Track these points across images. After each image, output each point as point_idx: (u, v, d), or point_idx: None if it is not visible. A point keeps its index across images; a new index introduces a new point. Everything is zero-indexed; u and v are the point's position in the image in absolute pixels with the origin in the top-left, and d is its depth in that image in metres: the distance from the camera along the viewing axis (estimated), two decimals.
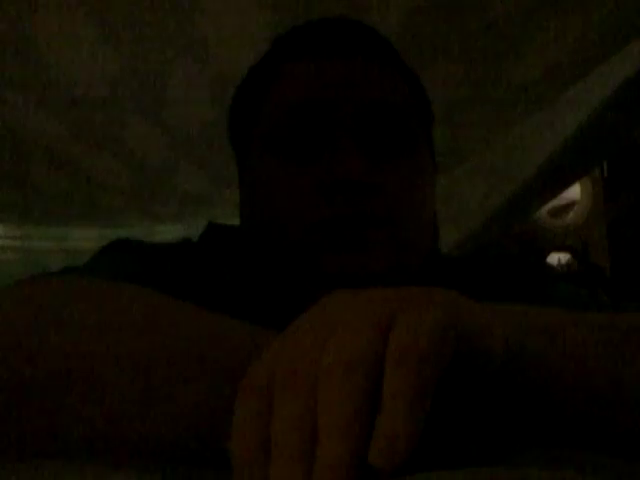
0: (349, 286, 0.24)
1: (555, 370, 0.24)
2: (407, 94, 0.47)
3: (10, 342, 0.26)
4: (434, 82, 1.37)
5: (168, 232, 2.23)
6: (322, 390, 0.18)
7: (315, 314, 0.22)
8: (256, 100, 0.48)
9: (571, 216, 3.20)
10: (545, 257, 3.05)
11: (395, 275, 0.42)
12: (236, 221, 0.51)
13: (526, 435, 0.24)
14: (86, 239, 2.23)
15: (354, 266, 0.40)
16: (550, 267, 0.57)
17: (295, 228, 0.42)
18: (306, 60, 0.46)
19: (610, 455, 0.23)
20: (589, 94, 1.40)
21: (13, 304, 0.29)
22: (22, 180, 1.75)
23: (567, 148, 1.52)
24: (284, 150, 0.44)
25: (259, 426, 0.19)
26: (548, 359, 0.24)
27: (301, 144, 0.44)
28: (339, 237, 0.41)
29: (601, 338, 0.26)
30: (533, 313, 0.27)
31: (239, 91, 0.52)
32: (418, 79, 0.52)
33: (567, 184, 1.87)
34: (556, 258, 3.14)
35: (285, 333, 0.22)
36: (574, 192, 3.13)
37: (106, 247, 0.48)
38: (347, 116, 0.43)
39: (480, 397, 0.22)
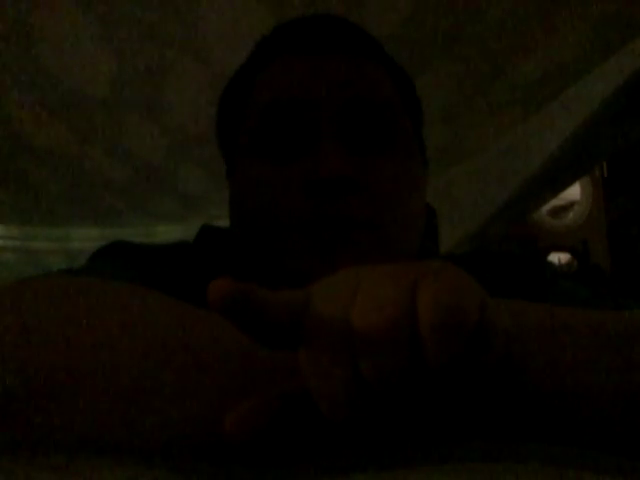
0: None
1: (551, 372, 0.24)
2: (393, 90, 0.46)
3: (13, 341, 0.26)
4: (434, 82, 1.37)
5: (168, 232, 2.23)
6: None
7: (341, 275, 0.24)
8: (240, 99, 0.48)
9: (571, 216, 3.20)
10: (545, 257, 3.05)
11: None
12: None
13: (520, 433, 0.24)
14: (86, 239, 2.23)
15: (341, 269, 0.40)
16: (551, 264, 0.56)
17: (280, 230, 0.42)
18: (289, 56, 0.45)
19: (607, 453, 0.23)
20: (589, 94, 1.40)
21: (11, 304, 0.29)
22: (22, 180, 1.75)
23: (567, 148, 1.52)
24: (268, 149, 0.43)
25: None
26: (546, 360, 0.24)
27: (284, 143, 0.43)
28: (325, 241, 0.40)
29: (603, 341, 0.25)
30: (534, 311, 0.26)
31: (225, 91, 0.52)
32: (407, 76, 0.51)
33: (567, 184, 1.87)
34: (556, 258, 3.14)
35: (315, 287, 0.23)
36: (574, 192, 3.13)
37: (103, 249, 0.48)
38: (330, 114, 0.42)
39: (479, 386, 0.22)
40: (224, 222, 0.53)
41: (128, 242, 0.49)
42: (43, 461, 0.23)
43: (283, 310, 0.21)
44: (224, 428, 0.20)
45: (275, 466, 0.21)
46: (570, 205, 3.20)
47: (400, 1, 1.13)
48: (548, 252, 3.14)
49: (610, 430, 0.24)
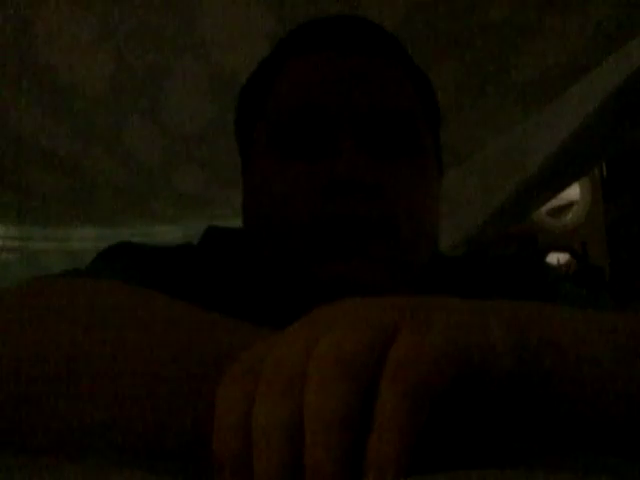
0: (348, 292, 0.24)
1: (567, 385, 0.23)
2: (413, 94, 0.46)
3: (14, 341, 0.26)
4: (434, 82, 1.36)
5: (167, 232, 2.23)
6: (310, 387, 0.18)
7: (315, 314, 0.22)
8: (261, 95, 0.48)
9: (571, 216, 3.20)
10: (545, 257, 3.05)
11: (394, 282, 0.42)
12: (235, 222, 0.51)
13: (530, 447, 0.23)
14: (86, 239, 2.22)
15: (353, 273, 0.40)
16: (551, 266, 0.57)
17: (294, 229, 0.42)
18: (310, 55, 0.45)
19: (613, 456, 0.23)
20: (588, 94, 1.40)
21: (15, 304, 0.29)
22: (21, 180, 1.75)
23: (567, 148, 1.52)
24: (286, 147, 0.43)
25: (240, 415, 0.18)
26: (560, 374, 0.23)
27: (303, 143, 0.43)
28: (338, 242, 0.40)
29: (614, 347, 0.25)
30: (542, 317, 0.25)
31: (246, 85, 0.52)
32: (427, 78, 0.51)
33: (567, 184, 1.86)
34: (555, 258, 3.14)
35: (284, 329, 0.22)
36: (574, 192, 3.13)
37: (107, 250, 0.48)
38: (350, 117, 0.42)
39: (484, 410, 0.22)
40: (224, 222, 0.53)
41: (133, 243, 0.49)
42: (41, 462, 0.23)
43: None
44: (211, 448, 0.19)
45: None
46: (569, 205, 3.20)
47: (399, 1, 1.13)
48: (548, 252, 3.14)
49: (625, 432, 0.24)
